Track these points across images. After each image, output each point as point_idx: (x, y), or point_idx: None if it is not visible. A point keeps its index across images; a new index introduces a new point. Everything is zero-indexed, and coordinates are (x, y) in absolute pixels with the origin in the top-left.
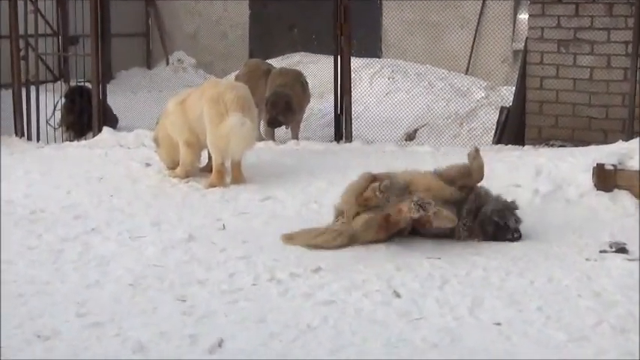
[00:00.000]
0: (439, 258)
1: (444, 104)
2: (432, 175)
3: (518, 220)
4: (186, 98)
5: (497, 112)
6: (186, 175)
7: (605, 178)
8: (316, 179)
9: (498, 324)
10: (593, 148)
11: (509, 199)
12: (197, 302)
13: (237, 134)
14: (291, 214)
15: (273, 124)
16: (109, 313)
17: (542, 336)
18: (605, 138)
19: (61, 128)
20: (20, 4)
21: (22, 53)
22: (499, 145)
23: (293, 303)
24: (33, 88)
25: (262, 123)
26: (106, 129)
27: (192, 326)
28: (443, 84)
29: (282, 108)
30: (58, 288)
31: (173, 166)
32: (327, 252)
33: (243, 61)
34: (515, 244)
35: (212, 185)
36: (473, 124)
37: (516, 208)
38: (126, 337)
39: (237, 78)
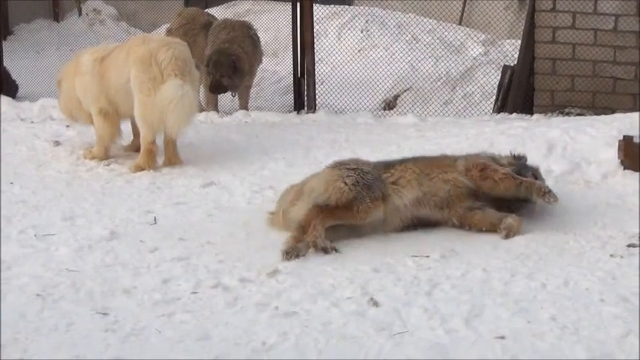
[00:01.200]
0: (427, 256)
1: (432, 63)
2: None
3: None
4: (107, 56)
5: (499, 72)
6: (106, 155)
7: (634, 154)
8: (271, 160)
9: (502, 338)
10: (618, 116)
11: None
12: (123, 316)
13: (176, 105)
14: (239, 204)
15: (216, 89)
16: (12, 332)
17: (556, 352)
18: (635, 104)
19: None
20: None
21: None
22: (501, 114)
23: (244, 315)
24: None
25: (202, 89)
26: (3, 99)
27: (116, 347)
28: (430, 38)
29: (227, 69)
30: None
31: (72, 120)
32: None
33: (177, 11)
34: (521, 238)
35: (140, 168)
36: (468, 88)
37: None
38: None
39: (169, 32)
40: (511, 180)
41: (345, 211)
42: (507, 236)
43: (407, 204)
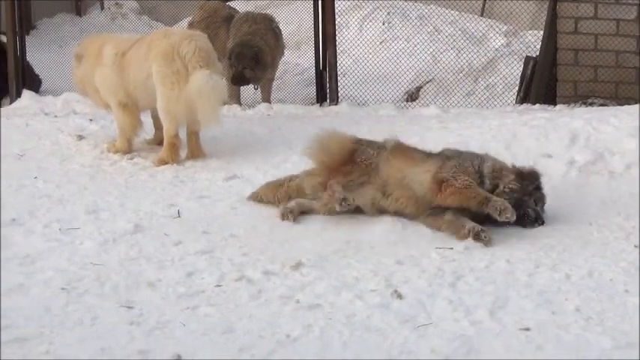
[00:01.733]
0: (451, 248)
1: (454, 55)
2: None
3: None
4: (127, 51)
5: (522, 63)
6: (130, 148)
7: None
8: (294, 152)
9: (526, 329)
10: None
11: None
12: (147, 309)
13: (208, 95)
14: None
15: (238, 81)
16: (37, 326)
17: (581, 343)
18: None
19: None
20: None
21: None
22: (524, 105)
23: (268, 308)
24: None
25: (224, 82)
26: (26, 93)
27: (141, 340)
28: (452, 29)
29: (249, 61)
30: None
31: (83, 95)
32: (309, 243)
33: (198, 4)
34: (546, 228)
35: (163, 162)
36: (491, 80)
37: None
38: (58, 355)
39: (190, 26)
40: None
41: (349, 162)
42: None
43: None
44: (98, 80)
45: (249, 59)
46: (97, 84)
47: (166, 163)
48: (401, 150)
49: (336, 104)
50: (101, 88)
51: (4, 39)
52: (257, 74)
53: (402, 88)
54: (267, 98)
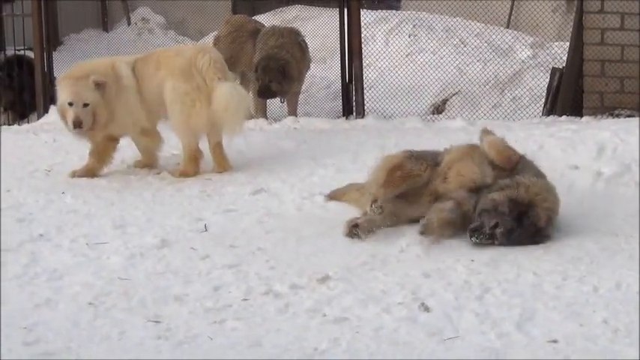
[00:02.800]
0: (474, 260)
1: (481, 67)
2: (472, 155)
3: (499, 225)
4: (141, 67)
5: (548, 75)
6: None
7: None
8: (320, 166)
9: (554, 342)
10: None
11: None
12: (175, 324)
13: (234, 109)
14: (289, 211)
15: (264, 94)
16: (64, 340)
17: (608, 355)
18: None
19: None
20: None
21: None
22: (551, 117)
23: (295, 322)
24: None
25: (251, 95)
26: (53, 109)
27: (169, 355)
28: (478, 41)
29: (275, 74)
30: None
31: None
32: (335, 257)
33: (224, 19)
34: (573, 240)
35: (186, 174)
36: (517, 91)
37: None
38: None
39: (216, 40)
40: None
41: (400, 172)
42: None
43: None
44: (121, 109)
45: (276, 72)
46: (118, 112)
47: (189, 175)
48: None
49: (362, 117)
50: (121, 111)
51: (31, 55)
52: (283, 87)
53: (428, 101)
54: (293, 111)
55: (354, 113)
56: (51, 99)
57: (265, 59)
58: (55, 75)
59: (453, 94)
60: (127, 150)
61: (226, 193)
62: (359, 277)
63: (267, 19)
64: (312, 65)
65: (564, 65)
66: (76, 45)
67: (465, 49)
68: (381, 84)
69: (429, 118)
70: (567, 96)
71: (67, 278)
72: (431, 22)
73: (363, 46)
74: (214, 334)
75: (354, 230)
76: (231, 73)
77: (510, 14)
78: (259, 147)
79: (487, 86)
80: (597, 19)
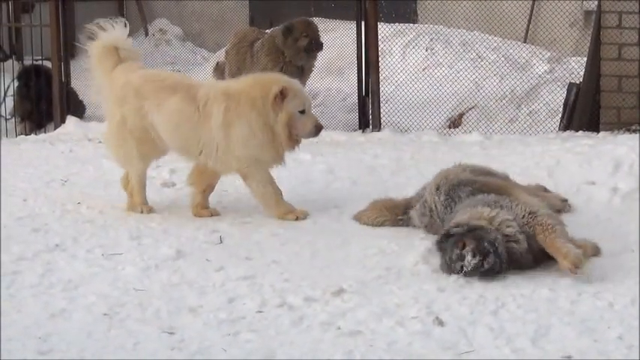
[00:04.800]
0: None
1: (497, 81)
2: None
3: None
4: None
5: (565, 90)
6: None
7: None
8: (336, 179)
9: (568, 357)
10: None
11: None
12: (189, 335)
13: None
14: (304, 223)
15: None
16: (79, 350)
17: None
18: None
19: (13, 119)
20: None
21: None
22: (568, 132)
23: (309, 334)
24: None
25: None
26: (70, 119)
27: None
28: (495, 55)
29: None
30: (14, 319)
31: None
32: (350, 270)
33: (233, 31)
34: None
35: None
36: (534, 106)
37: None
38: None
39: (226, 54)
40: None
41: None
42: None
43: None
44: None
45: None
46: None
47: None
48: None
49: (378, 130)
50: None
51: (49, 65)
52: None
53: (445, 115)
54: None
55: (371, 126)
56: (68, 109)
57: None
58: (72, 85)
59: (470, 108)
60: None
61: (242, 205)
62: (373, 291)
63: None
64: (328, 77)
65: (581, 80)
66: None
67: (481, 63)
68: (398, 97)
69: (445, 131)
70: (584, 111)
71: (82, 288)
72: (448, 35)
73: (380, 59)
74: (228, 346)
75: None
76: None
77: (528, 29)
78: None
79: (504, 100)
80: (615, 35)
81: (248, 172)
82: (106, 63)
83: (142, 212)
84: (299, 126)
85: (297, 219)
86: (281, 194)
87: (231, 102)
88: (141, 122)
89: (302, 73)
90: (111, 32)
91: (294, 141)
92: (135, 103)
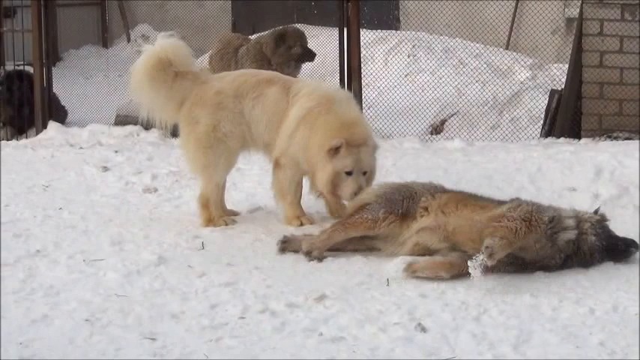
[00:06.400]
0: (473, 281)
1: (479, 88)
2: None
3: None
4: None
5: (547, 96)
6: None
7: None
8: None
9: None
10: None
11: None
12: (171, 341)
13: None
14: (287, 229)
15: None
16: (60, 356)
17: None
18: None
19: None
20: None
21: None
22: (549, 139)
23: (292, 340)
24: None
25: None
26: (52, 124)
27: None
28: (477, 62)
29: None
30: None
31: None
32: (332, 276)
33: (218, 37)
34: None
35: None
36: (516, 113)
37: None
38: None
39: (210, 59)
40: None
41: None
42: None
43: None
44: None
45: None
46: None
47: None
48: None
49: None
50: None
51: (30, 70)
52: None
53: (427, 121)
54: None
55: None
56: (50, 114)
57: None
58: (54, 91)
59: (452, 115)
60: (124, 166)
61: None
62: (355, 297)
63: None
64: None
65: (563, 87)
66: (75, 61)
67: (464, 69)
68: (380, 104)
69: (427, 138)
70: (566, 118)
71: (64, 294)
72: (430, 42)
73: (362, 65)
74: (210, 352)
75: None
76: None
77: (510, 35)
78: (257, 166)
79: (486, 107)
80: (596, 42)
81: (285, 163)
82: (163, 76)
83: (226, 224)
84: (341, 186)
85: (301, 225)
86: (300, 198)
87: (319, 108)
88: (239, 127)
89: None
90: (163, 43)
91: (334, 195)
92: (234, 108)
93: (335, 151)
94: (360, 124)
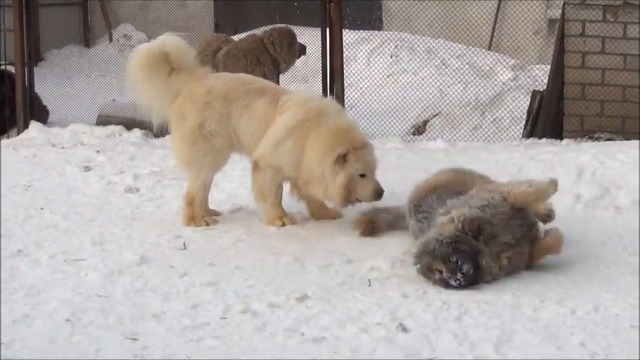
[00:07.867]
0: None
1: (462, 88)
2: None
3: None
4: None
5: (529, 97)
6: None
7: None
8: None
9: None
10: None
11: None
12: (152, 341)
13: None
14: (268, 229)
15: None
16: (41, 356)
17: None
18: None
19: None
20: None
21: None
22: (531, 139)
23: (273, 341)
24: None
25: None
26: (34, 124)
27: None
28: (460, 63)
29: None
30: None
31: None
32: (314, 276)
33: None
34: (552, 262)
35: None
36: (498, 113)
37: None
38: None
39: None
40: None
41: None
42: None
43: None
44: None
45: None
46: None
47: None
48: None
49: None
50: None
51: (12, 70)
52: None
53: (409, 122)
54: None
55: None
56: (31, 114)
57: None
58: (35, 91)
59: (434, 115)
60: (106, 166)
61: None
62: (337, 297)
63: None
64: (294, 85)
65: (545, 88)
66: (57, 61)
67: (446, 70)
68: (363, 104)
69: (409, 138)
70: (547, 118)
71: (45, 294)
72: (413, 42)
73: (344, 66)
74: (192, 353)
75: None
76: None
77: (492, 36)
78: (239, 166)
79: (468, 108)
80: (578, 43)
81: (265, 166)
82: (158, 69)
83: (207, 225)
84: (358, 190)
85: (283, 225)
86: (281, 199)
87: (310, 121)
88: (225, 128)
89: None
90: (160, 39)
91: (349, 202)
92: (221, 109)
93: (343, 158)
94: (355, 129)
